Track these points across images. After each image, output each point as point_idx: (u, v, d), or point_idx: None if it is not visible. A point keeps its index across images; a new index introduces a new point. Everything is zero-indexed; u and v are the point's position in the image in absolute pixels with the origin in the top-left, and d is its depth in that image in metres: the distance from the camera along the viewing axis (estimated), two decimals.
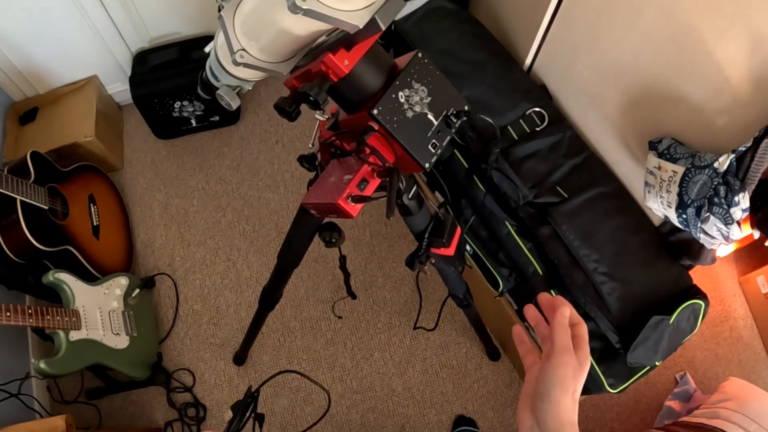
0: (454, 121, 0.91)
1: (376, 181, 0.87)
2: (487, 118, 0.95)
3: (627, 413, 1.77)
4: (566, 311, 0.61)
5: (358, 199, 0.83)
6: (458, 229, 1.21)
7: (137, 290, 1.71)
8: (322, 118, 1.03)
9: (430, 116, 0.88)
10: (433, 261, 1.26)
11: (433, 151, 0.87)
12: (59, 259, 1.62)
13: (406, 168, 0.90)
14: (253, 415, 0.62)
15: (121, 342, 1.60)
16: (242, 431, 0.62)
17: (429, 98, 0.89)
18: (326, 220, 1.18)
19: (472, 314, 1.57)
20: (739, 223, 1.20)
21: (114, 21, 1.82)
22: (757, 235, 1.71)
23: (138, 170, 2.01)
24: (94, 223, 1.76)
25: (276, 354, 1.78)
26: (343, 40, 0.80)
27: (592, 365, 1.39)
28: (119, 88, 2.04)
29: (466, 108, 0.92)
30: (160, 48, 1.91)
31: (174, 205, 1.96)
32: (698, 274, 1.89)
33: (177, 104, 1.91)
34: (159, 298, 1.84)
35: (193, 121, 1.98)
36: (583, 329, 0.62)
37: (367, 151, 0.84)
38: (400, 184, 0.88)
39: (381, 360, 1.78)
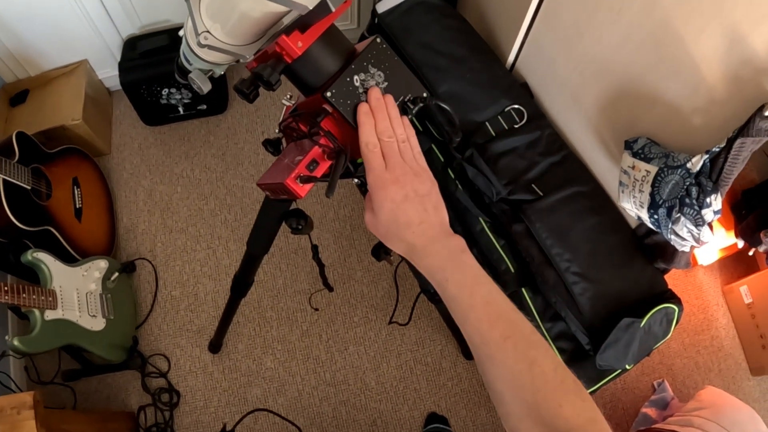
0: (411, 107, 0.90)
1: (326, 163, 0.86)
2: (445, 106, 0.94)
3: None
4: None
5: (306, 179, 0.83)
6: None
7: (116, 274, 1.72)
8: (288, 104, 1.04)
9: None
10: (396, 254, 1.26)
11: None
12: (40, 240, 1.63)
13: (359, 152, 0.90)
14: None
15: (97, 324, 1.61)
16: None
17: (385, 83, 0.88)
18: (293, 206, 1.19)
19: (444, 310, 1.56)
20: (710, 225, 1.19)
21: (105, 6, 1.83)
22: (741, 244, 1.69)
23: (125, 155, 2.02)
24: (77, 206, 1.77)
25: (251, 343, 1.78)
26: (299, 22, 0.80)
27: None
28: (109, 73, 2.05)
29: (424, 95, 0.92)
30: (150, 35, 1.92)
31: (158, 191, 1.97)
32: (681, 282, 1.88)
33: (165, 91, 1.91)
34: (139, 282, 1.85)
35: (181, 109, 1.99)
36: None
37: (321, 133, 0.84)
38: (349, 166, 0.87)
39: (356, 354, 1.78)
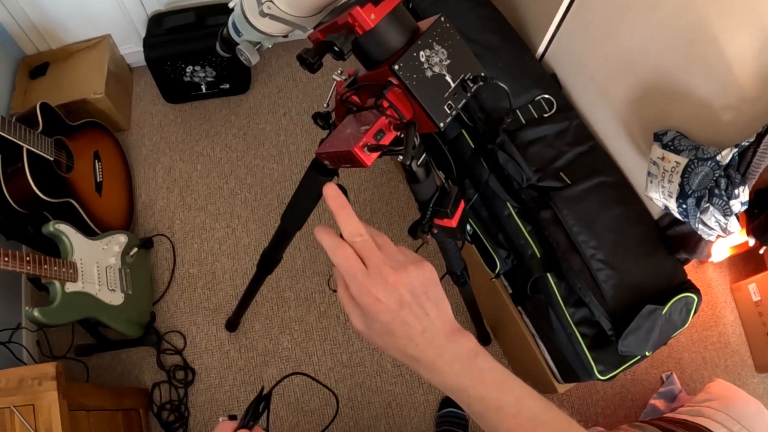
0: (471, 85, 0.93)
1: (392, 134, 0.88)
2: (502, 84, 0.96)
3: (612, 408, 1.79)
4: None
5: (373, 148, 0.85)
6: (462, 202, 1.23)
7: (135, 249, 1.72)
8: (339, 79, 1.06)
9: (448, 78, 0.90)
10: (435, 231, 1.28)
11: (449, 111, 0.89)
12: (60, 212, 1.63)
13: (421, 127, 0.92)
14: (265, 412, 0.61)
15: (115, 298, 1.60)
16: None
17: (448, 61, 0.91)
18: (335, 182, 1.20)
19: (467, 293, 1.58)
20: (737, 216, 1.23)
21: None
22: (752, 242, 1.74)
23: (144, 132, 2.02)
24: (98, 180, 1.77)
25: (268, 323, 1.79)
26: None
27: (583, 351, 1.41)
28: (132, 50, 2.04)
29: (482, 74, 0.94)
30: (176, 11, 1.92)
31: (178, 168, 1.97)
32: (691, 278, 1.91)
33: (189, 69, 1.91)
34: (156, 259, 1.85)
35: (203, 87, 1.99)
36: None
37: (386, 104, 0.86)
38: (415, 139, 0.90)
39: None
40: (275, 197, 1.93)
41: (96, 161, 1.78)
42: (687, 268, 1.83)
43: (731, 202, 1.20)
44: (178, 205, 1.91)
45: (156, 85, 1.99)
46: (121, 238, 1.69)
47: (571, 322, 1.42)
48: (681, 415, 1.59)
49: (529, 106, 1.51)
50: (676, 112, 1.32)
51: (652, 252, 1.44)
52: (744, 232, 1.78)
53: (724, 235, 1.25)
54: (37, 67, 1.96)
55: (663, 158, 1.30)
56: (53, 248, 1.54)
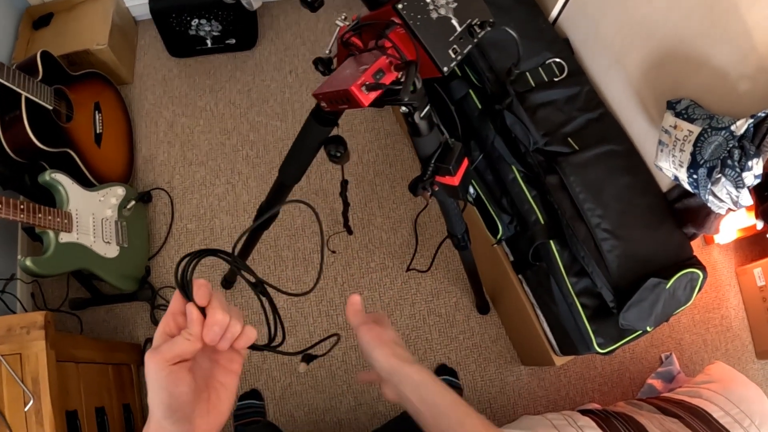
0: (478, 31, 0.89)
1: (392, 75, 0.85)
2: (512, 32, 0.92)
3: (609, 385, 1.77)
4: (356, 302, 0.77)
5: (372, 87, 0.81)
6: (465, 160, 1.19)
7: (133, 202, 1.69)
8: (342, 24, 1.01)
9: (454, 21, 0.86)
10: (436, 188, 1.24)
11: (453, 56, 0.86)
12: (58, 162, 1.60)
13: (424, 72, 0.88)
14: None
15: (110, 251, 1.59)
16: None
17: (455, 4, 0.87)
18: (333, 132, 1.17)
19: (467, 259, 1.55)
20: (750, 189, 1.18)
21: None
22: (760, 225, 1.70)
23: (147, 86, 1.98)
24: (97, 131, 1.74)
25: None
26: None
27: (583, 323, 1.38)
28: (137, 2, 2.00)
29: (491, 20, 0.90)
30: None
31: (180, 123, 1.93)
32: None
33: (194, 22, 1.87)
34: (154, 214, 1.83)
35: (209, 42, 1.95)
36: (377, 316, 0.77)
37: (387, 44, 0.83)
38: (415, 80, 0.86)
39: (370, 299, 1.77)
40: (277, 155, 1.89)
41: (96, 112, 1.75)
42: (693, 247, 1.79)
43: (744, 174, 1.15)
44: (178, 159, 1.89)
45: (161, 39, 1.95)
46: (119, 191, 1.67)
47: (572, 291, 1.39)
48: (678, 395, 1.57)
49: (540, 69, 1.47)
50: (691, 81, 1.27)
51: (658, 224, 1.40)
52: (753, 214, 1.74)
53: (735, 209, 1.21)
54: (41, 18, 1.92)
55: (675, 126, 1.26)
56: (51, 200, 1.52)
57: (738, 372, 1.60)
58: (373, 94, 0.82)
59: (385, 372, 0.69)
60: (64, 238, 1.47)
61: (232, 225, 1.82)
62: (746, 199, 1.18)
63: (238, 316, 0.52)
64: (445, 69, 0.84)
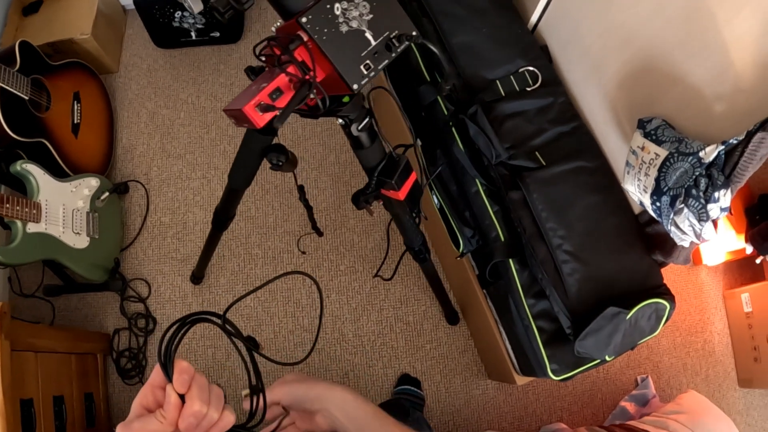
0: (396, 45, 0.83)
1: (292, 93, 0.80)
2: (433, 47, 0.86)
3: (579, 405, 1.71)
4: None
5: (266, 108, 0.77)
6: (413, 174, 1.15)
7: (107, 193, 1.70)
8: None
9: (368, 35, 0.81)
10: (381, 202, 1.20)
11: (365, 72, 0.81)
12: (33, 152, 1.61)
13: (336, 88, 0.84)
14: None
15: (80, 242, 1.60)
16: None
17: (370, 15, 0.81)
18: (275, 141, 1.14)
19: (428, 271, 1.51)
20: (714, 222, 1.10)
21: None
22: (749, 250, 1.60)
23: (132, 76, 1.98)
24: (75, 121, 1.74)
25: (234, 278, 1.76)
26: None
27: (538, 346, 1.32)
28: None
29: (413, 33, 0.85)
30: None
31: (161, 114, 1.93)
32: (682, 278, 1.80)
33: (177, 14, 1.85)
34: (130, 205, 1.83)
35: (193, 34, 1.93)
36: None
37: (284, 60, 0.78)
38: (319, 102, 0.81)
39: (337, 303, 1.75)
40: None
41: (75, 102, 1.76)
42: (679, 267, 1.71)
43: (709, 206, 1.07)
44: (157, 151, 1.89)
45: (146, 29, 1.94)
46: (93, 182, 1.68)
47: (529, 314, 1.34)
48: (644, 425, 1.50)
49: (511, 77, 1.40)
50: (666, 97, 1.19)
51: (626, 248, 1.33)
52: (743, 237, 1.63)
53: (698, 242, 1.13)
54: (30, 4, 1.93)
55: (643, 148, 1.18)
56: (24, 188, 1.53)
57: (711, 404, 1.52)
58: (269, 115, 0.78)
59: (315, 401, 0.68)
60: (32, 228, 1.48)
61: (205, 220, 1.81)
62: (710, 233, 1.10)
63: (218, 402, 0.51)
64: (355, 87, 0.80)
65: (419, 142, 1.59)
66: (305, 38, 0.78)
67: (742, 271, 1.80)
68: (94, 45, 1.85)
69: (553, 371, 1.31)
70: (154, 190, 1.84)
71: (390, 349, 1.72)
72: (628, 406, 1.70)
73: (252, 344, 0.63)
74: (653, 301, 1.27)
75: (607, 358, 1.31)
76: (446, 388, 1.70)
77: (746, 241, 1.59)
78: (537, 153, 1.35)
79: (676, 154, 1.10)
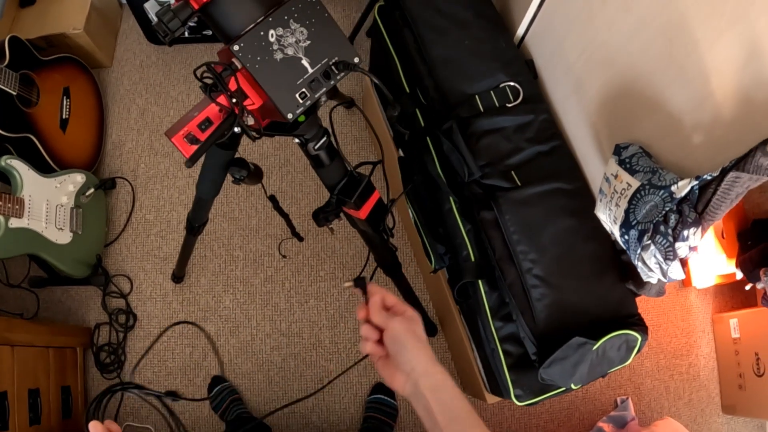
0: (335, 72, 0.81)
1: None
2: (375, 79, 0.83)
3: (556, 423, 1.69)
4: (376, 299, 0.72)
5: (192, 140, 0.76)
6: (375, 193, 1.13)
7: (92, 190, 1.71)
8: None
9: (305, 62, 0.79)
10: (341, 220, 1.19)
11: (301, 101, 0.78)
12: (20, 147, 1.63)
13: (272, 115, 0.82)
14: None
15: (62, 237, 1.61)
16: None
17: (308, 42, 0.79)
18: (237, 155, 1.13)
19: (401, 284, 1.49)
20: (683, 261, 1.05)
21: None
22: (740, 275, 1.54)
23: (125, 71, 1.98)
24: (63, 116, 1.75)
25: (214, 279, 1.77)
26: None
27: (503, 370, 1.30)
28: None
29: (355, 60, 0.82)
30: None
31: (151, 112, 1.93)
32: (671, 300, 1.74)
33: None
34: (116, 201, 1.85)
35: (186, 32, 1.92)
36: (391, 300, 0.74)
37: (215, 90, 0.76)
38: (252, 133, 0.80)
39: (315, 308, 1.74)
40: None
41: (65, 98, 1.77)
42: (668, 288, 1.66)
43: (677, 245, 1.03)
44: (145, 148, 1.89)
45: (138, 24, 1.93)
46: (78, 178, 1.69)
47: (495, 336, 1.31)
48: None
49: (492, 92, 1.35)
50: (645, 122, 1.14)
51: (599, 275, 1.29)
52: (734, 262, 1.57)
53: (664, 280, 1.08)
54: None
55: (616, 176, 1.14)
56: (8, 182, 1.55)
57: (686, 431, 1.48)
58: (193, 147, 0.76)
59: (411, 369, 0.68)
60: (14, 223, 1.49)
61: None
62: (677, 272, 1.06)
63: None
64: (290, 116, 0.78)
65: (400, 153, 1.57)
66: (239, 65, 0.76)
67: (732, 294, 1.74)
68: (87, 40, 1.85)
69: (516, 396, 1.29)
70: (140, 187, 1.85)
71: (366, 358, 1.71)
72: (606, 427, 1.67)
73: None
74: (623, 332, 1.23)
75: (572, 386, 1.27)
76: None
77: (737, 266, 1.53)
78: (513, 172, 1.31)
79: (648, 186, 1.06)
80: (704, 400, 1.69)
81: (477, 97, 1.34)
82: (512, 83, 1.35)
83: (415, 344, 0.69)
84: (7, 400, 1.38)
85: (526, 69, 1.39)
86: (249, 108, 0.78)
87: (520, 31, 1.42)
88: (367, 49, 1.77)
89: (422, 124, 1.40)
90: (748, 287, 1.52)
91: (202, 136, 0.76)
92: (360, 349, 0.73)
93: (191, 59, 1.98)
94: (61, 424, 1.54)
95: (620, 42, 1.14)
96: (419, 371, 0.67)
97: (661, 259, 1.04)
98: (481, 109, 1.34)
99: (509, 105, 1.35)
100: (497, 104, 1.35)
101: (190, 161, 0.69)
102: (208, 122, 0.77)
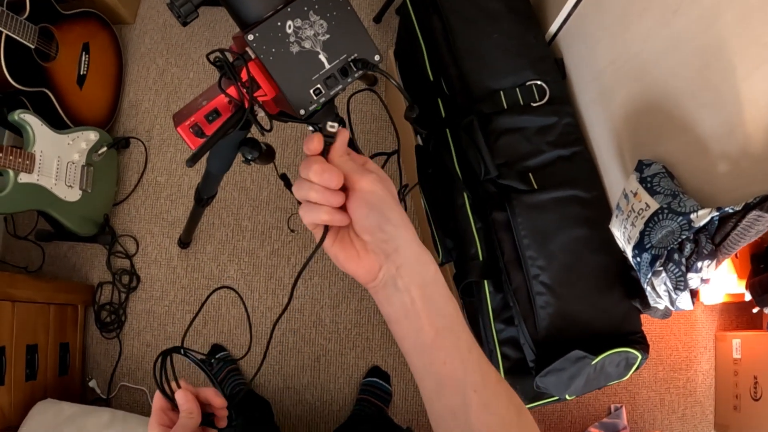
0: (353, 69, 0.77)
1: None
2: (395, 81, 0.80)
3: (546, 425, 1.69)
4: (345, 139, 0.53)
5: (198, 133, 0.73)
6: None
7: (105, 148, 1.70)
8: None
9: (322, 57, 0.75)
10: None
11: (315, 97, 0.75)
12: (36, 101, 1.61)
13: (284, 107, 0.79)
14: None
15: (71, 195, 1.61)
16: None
17: (327, 36, 0.75)
18: (250, 134, 1.11)
19: None
20: (693, 293, 1.02)
21: None
22: (748, 297, 1.50)
23: (147, 29, 1.94)
24: (81, 72, 1.73)
25: (220, 248, 1.77)
26: None
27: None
28: None
29: (375, 59, 0.78)
30: None
31: (171, 73, 1.90)
32: (676, 313, 1.70)
33: None
34: (128, 161, 1.84)
35: None
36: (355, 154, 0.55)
37: (225, 80, 0.73)
38: (253, 121, 0.77)
39: (319, 286, 1.74)
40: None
41: (84, 53, 1.74)
42: None
43: (689, 275, 1.00)
44: (161, 109, 1.87)
45: None
46: (91, 136, 1.68)
47: (495, 339, 1.30)
48: None
49: (517, 89, 1.31)
50: (671, 141, 1.10)
51: (606, 289, 1.26)
52: (744, 283, 1.54)
53: (672, 309, 1.05)
54: None
55: (636, 194, 1.10)
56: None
57: None
58: (199, 141, 0.74)
59: (393, 250, 0.49)
60: (24, 178, 1.49)
61: None
62: (686, 303, 1.03)
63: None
64: (302, 112, 0.75)
65: (419, 141, 1.53)
66: (252, 55, 0.73)
67: (738, 314, 1.71)
68: None
69: None
70: (153, 149, 1.84)
71: (365, 340, 1.72)
72: None
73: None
74: (624, 350, 1.21)
75: (567, 397, 1.26)
76: (415, 387, 1.70)
77: (746, 287, 1.50)
78: (530, 175, 1.27)
79: (666, 210, 1.02)
80: (698, 416, 1.68)
81: (501, 93, 1.30)
82: (539, 82, 1.30)
83: (401, 215, 0.50)
84: (4, 355, 1.40)
85: (554, 68, 1.34)
86: (260, 99, 0.76)
87: (553, 27, 1.36)
88: (395, 28, 1.72)
89: (443, 115, 1.36)
90: (755, 310, 1.49)
91: (209, 129, 0.74)
92: (306, 219, 0.51)
93: (216, 23, 1.94)
94: (57, 381, 1.57)
95: (654, 56, 1.09)
96: (405, 255, 0.49)
97: (671, 288, 1.01)
98: (505, 106, 1.30)
99: (534, 105, 1.31)
100: (522, 102, 1.30)
101: (191, 160, 0.67)
102: (216, 113, 0.74)
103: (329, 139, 0.53)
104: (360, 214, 0.49)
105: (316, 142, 0.51)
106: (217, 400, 0.64)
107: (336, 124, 0.54)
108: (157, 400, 0.62)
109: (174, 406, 0.62)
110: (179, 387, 0.62)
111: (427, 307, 0.49)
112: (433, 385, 0.50)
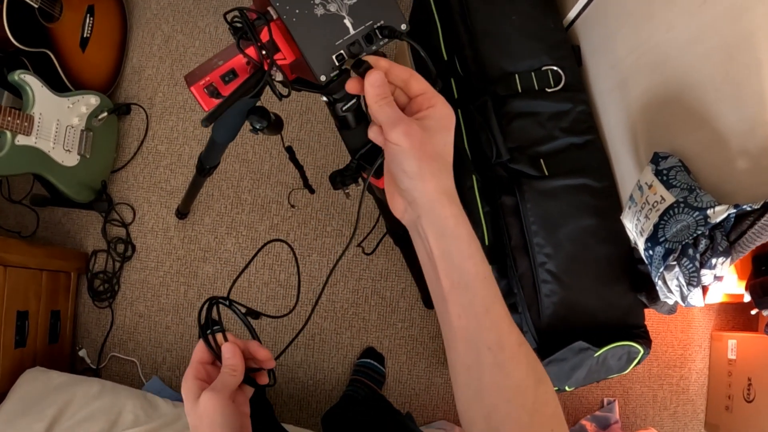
0: (379, 37, 0.74)
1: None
2: (419, 48, 0.77)
3: None
4: (377, 79, 0.54)
5: (213, 93, 0.70)
6: None
7: (105, 113, 1.65)
8: None
9: (347, 22, 0.72)
10: (358, 185, 1.14)
11: (337, 63, 0.72)
12: (37, 62, 1.56)
13: (302, 73, 0.76)
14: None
15: (69, 159, 1.57)
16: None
17: (353, 0, 0.72)
18: (259, 103, 1.08)
19: (409, 256, 1.45)
20: (704, 289, 1.01)
21: None
22: (747, 299, 1.49)
23: None
24: (84, 35, 1.68)
25: (218, 220, 1.73)
26: None
27: None
28: None
29: (402, 27, 0.75)
30: None
31: (176, 40, 1.85)
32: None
33: None
34: (129, 128, 1.80)
35: None
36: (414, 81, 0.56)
37: (244, 41, 0.70)
38: (272, 86, 0.74)
39: (317, 264, 1.72)
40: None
41: (88, 15, 1.69)
42: None
43: (703, 271, 0.99)
44: (165, 77, 1.83)
45: None
46: (92, 100, 1.63)
47: None
48: None
49: (533, 74, 1.29)
50: (689, 135, 1.08)
51: (612, 281, 1.25)
52: (744, 284, 1.53)
53: (682, 304, 1.05)
54: None
55: (651, 186, 1.08)
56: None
57: None
58: (214, 101, 0.71)
59: (412, 200, 0.51)
60: (21, 140, 1.45)
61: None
62: (697, 299, 1.02)
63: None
64: (322, 78, 0.72)
65: None
66: (274, 16, 0.70)
67: (735, 314, 1.71)
68: None
69: None
70: (155, 117, 1.80)
71: (361, 321, 1.70)
72: (588, 425, 1.67)
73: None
74: (626, 343, 1.21)
75: (566, 388, 1.26)
76: (409, 371, 1.69)
77: (746, 289, 1.49)
78: (542, 160, 1.25)
79: (682, 204, 1.00)
80: (689, 414, 1.68)
81: (516, 76, 1.28)
82: (555, 67, 1.28)
83: (419, 167, 0.49)
84: None
85: (571, 54, 1.31)
86: (279, 63, 0.73)
87: (572, 14, 1.34)
88: (407, 5, 1.68)
89: (455, 95, 1.34)
90: (753, 312, 1.48)
91: (225, 90, 0.71)
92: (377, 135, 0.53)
93: None
94: (46, 349, 1.53)
95: (676, 47, 1.07)
96: (422, 205, 0.50)
97: (684, 283, 1.00)
98: (519, 90, 1.28)
99: (549, 90, 1.28)
100: (536, 87, 1.28)
101: (207, 120, 0.64)
102: (232, 74, 0.71)
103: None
104: (387, 161, 0.53)
105: (354, 84, 0.57)
106: (261, 352, 0.60)
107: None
108: (198, 352, 0.58)
109: (215, 360, 0.58)
110: (225, 340, 0.58)
111: (443, 260, 0.50)
112: (448, 335, 0.51)
